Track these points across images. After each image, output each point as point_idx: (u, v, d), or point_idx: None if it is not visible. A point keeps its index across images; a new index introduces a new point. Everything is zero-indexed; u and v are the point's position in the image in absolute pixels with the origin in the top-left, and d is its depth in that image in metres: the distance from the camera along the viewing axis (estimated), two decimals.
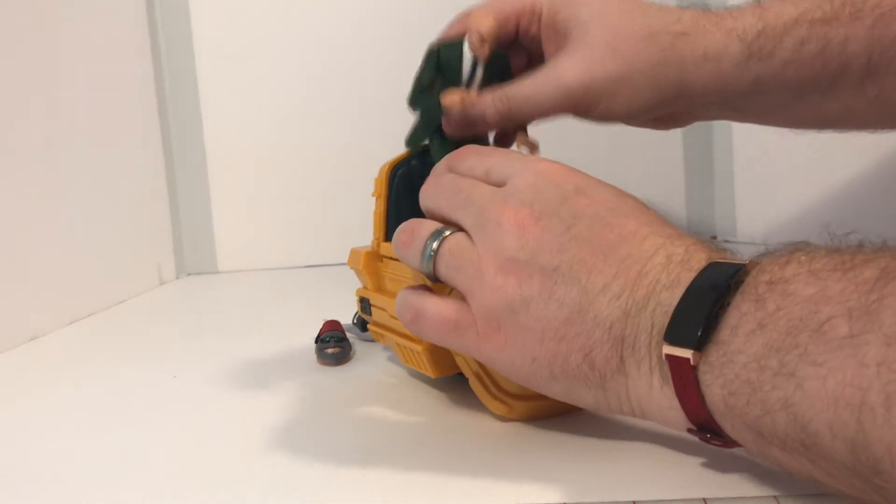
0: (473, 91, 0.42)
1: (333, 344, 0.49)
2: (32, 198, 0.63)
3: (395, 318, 0.39)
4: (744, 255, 0.30)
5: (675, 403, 0.28)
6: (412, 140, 0.44)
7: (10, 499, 0.32)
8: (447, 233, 0.34)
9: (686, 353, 0.27)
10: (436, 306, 0.34)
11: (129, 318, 0.69)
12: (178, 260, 0.89)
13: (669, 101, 0.44)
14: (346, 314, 0.55)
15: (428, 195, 0.37)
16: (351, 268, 0.46)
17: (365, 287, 0.46)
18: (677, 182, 0.92)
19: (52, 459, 0.36)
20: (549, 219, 0.32)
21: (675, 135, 0.90)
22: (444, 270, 0.34)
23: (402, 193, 0.44)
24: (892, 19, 0.42)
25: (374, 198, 0.45)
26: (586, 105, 0.43)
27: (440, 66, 0.42)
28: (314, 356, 0.49)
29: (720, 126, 0.89)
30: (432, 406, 0.40)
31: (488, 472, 0.32)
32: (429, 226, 0.35)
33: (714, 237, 0.92)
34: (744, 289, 0.26)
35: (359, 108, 0.90)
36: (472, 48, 0.43)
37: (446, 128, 0.42)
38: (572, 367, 0.31)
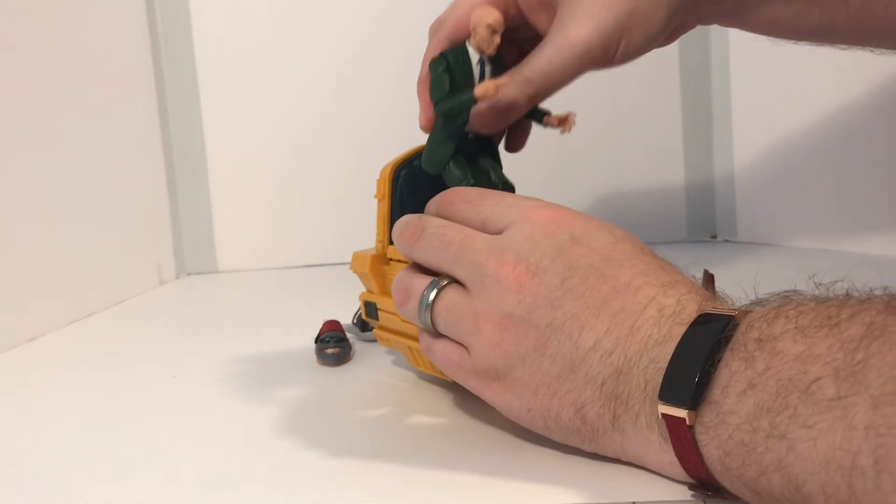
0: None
1: (333, 344, 0.49)
2: (32, 198, 0.63)
3: (406, 322, 0.40)
4: (735, 300, 0.30)
5: (675, 459, 0.28)
6: (435, 158, 0.43)
7: (10, 499, 0.32)
8: (443, 284, 0.35)
9: (682, 413, 0.26)
10: (441, 347, 0.35)
11: (129, 319, 0.69)
12: (178, 260, 0.89)
13: (676, 15, 0.44)
14: (346, 314, 0.55)
15: (419, 247, 0.36)
16: (355, 272, 0.46)
17: (370, 291, 0.45)
18: (677, 182, 0.92)
19: (52, 459, 0.36)
20: (544, 273, 0.32)
21: (675, 134, 0.90)
22: (442, 325, 0.35)
23: (405, 194, 0.44)
24: None
25: (377, 200, 0.44)
26: (606, 55, 0.43)
27: (451, 70, 0.41)
28: (314, 356, 0.49)
29: (720, 126, 0.89)
30: (433, 407, 0.40)
31: (488, 472, 0.32)
32: (420, 282, 0.36)
33: (714, 237, 0.92)
34: (733, 345, 0.26)
35: (359, 109, 0.90)
36: (480, 44, 0.42)
37: (477, 124, 0.41)
38: (565, 421, 0.31)
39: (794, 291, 0.28)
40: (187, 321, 0.70)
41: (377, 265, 0.44)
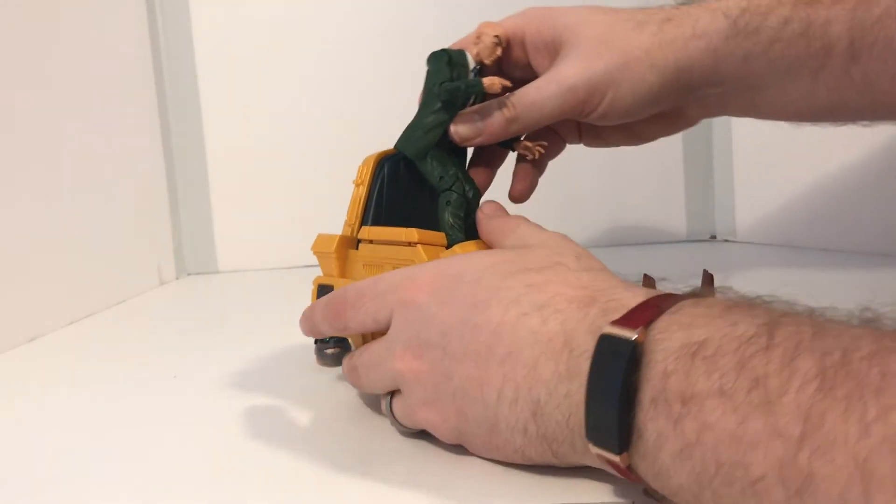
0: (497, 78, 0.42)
1: (333, 344, 0.48)
2: (32, 198, 0.63)
3: None
4: (623, 299, 0.28)
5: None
6: (419, 144, 0.44)
7: (10, 499, 0.32)
8: (389, 401, 0.36)
9: (614, 458, 0.26)
10: (426, 418, 0.35)
11: (129, 318, 0.69)
12: (178, 260, 0.89)
13: (670, 87, 0.45)
14: None
15: (357, 383, 0.39)
16: (316, 253, 0.45)
17: (329, 274, 0.45)
18: (677, 182, 0.92)
19: (52, 459, 0.36)
20: (426, 350, 0.33)
21: (675, 135, 0.90)
22: (410, 427, 0.36)
23: (387, 183, 0.44)
24: (873, 3, 0.42)
25: (354, 185, 0.44)
26: (591, 101, 0.44)
27: (451, 65, 0.43)
28: (314, 356, 0.49)
29: (720, 126, 0.89)
30: None
31: (488, 473, 0.32)
32: (381, 393, 0.37)
33: (714, 237, 0.92)
34: (655, 397, 0.25)
35: (359, 109, 0.90)
36: (482, 52, 0.44)
37: (455, 135, 0.44)
38: (524, 461, 0.31)
39: (700, 297, 0.27)
40: (187, 321, 0.70)
41: (344, 247, 0.44)
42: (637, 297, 0.28)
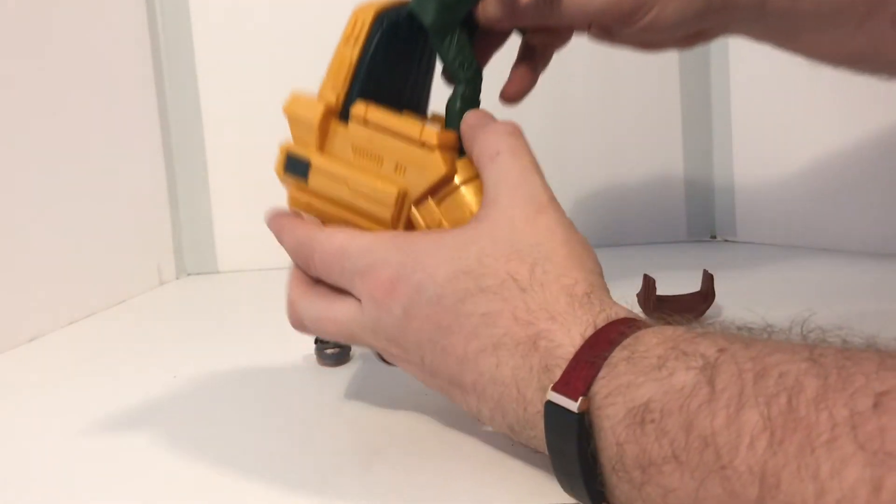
0: None
1: (333, 344, 0.49)
2: (32, 198, 0.63)
3: (360, 196, 0.37)
4: (561, 345, 0.28)
5: None
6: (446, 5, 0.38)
7: (10, 499, 0.32)
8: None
9: None
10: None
11: (129, 318, 0.69)
12: (178, 260, 0.89)
13: (715, 11, 0.43)
14: None
15: (294, 321, 0.38)
16: (291, 116, 0.39)
17: (304, 143, 0.39)
18: (677, 182, 0.92)
19: (52, 459, 0.36)
20: (408, 352, 0.33)
21: (675, 134, 0.90)
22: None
23: (382, 48, 0.38)
24: None
25: (342, 41, 0.39)
26: (636, 14, 0.42)
27: None
28: (314, 356, 0.49)
29: (720, 126, 0.89)
30: (432, 407, 0.40)
31: (487, 472, 0.32)
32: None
33: (714, 237, 0.92)
34: (612, 464, 0.25)
35: None
36: None
37: (482, 13, 0.40)
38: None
39: (635, 327, 0.27)
40: (187, 321, 0.70)
41: (328, 119, 0.38)
42: (574, 338, 0.28)
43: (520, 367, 0.29)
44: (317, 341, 0.50)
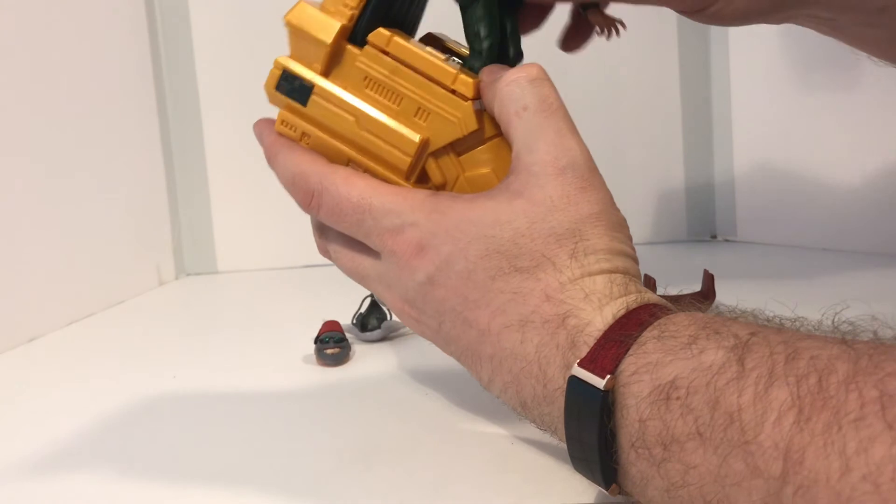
0: None
1: (333, 344, 0.49)
2: (31, 198, 0.63)
3: (373, 136, 0.33)
4: (592, 322, 0.28)
5: None
6: None
7: (10, 499, 0.32)
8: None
9: (602, 488, 0.26)
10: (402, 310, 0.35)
11: (129, 319, 0.69)
12: (177, 260, 0.89)
13: (790, 2, 0.42)
14: (345, 315, 0.55)
15: (325, 253, 0.38)
16: (294, 27, 0.34)
17: (306, 62, 0.34)
18: (677, 182, 0.92)
19: (51, 460, 0.36)
20: (424, 315, 0.33)
21: (675, 135, 0.90)
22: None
23: None
24: None
25: None
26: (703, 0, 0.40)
27: None
28: (314, 356, 0.49)
29: (720, 126, 0.89)
30: (432, 407, 0.40)
31: (487, 473, 0.32)
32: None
33: (714, 237, 0.92)
34: (632, 441, 0.25)
35: None
36: None
37: None
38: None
39: (667, 313, 0.27)
40: (187, 322, 0.70)
41: (341, 41, 0.34)
42: (605, 317, 0.28)
43: (545, 343, 0.29)
44: (316, 341, 0.50)
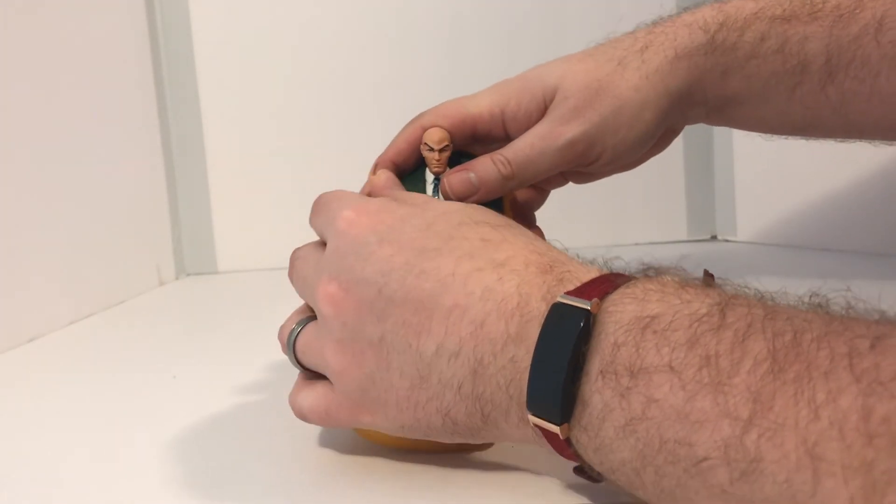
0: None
1: None
2: (31, 198, 0.63)
3: None
4: (578, 272, 0.28)
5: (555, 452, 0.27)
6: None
7: (10, 499, 0.32)
8: (297, 329, 0.34)
9: (554, 428, 0.25)
10: (307, 400, 0.33)
11: (129, 319, 0.69)
12: (177, 260, 0.89)
13: (664, 115, 0.45)
14: None
15: (292, 277, 0.36)
16: None
17: None
18: (677, 182, 0.92)
19: (52, 460, 0.36)
20: (357, 286, 0.30)
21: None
22: (306, 365, 0.34)
23: None
24: (851, 21, 0.42)
25: None
26: (590, 153, 0.43)
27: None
28: None
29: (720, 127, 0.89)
30: None
31: (487, 474, 0.32)
32: (289, 323, 0.35)
33: (714, 237, 0.92)
34: (603, 367, 0.24)
35: (359, 109, 0.90)
36: (428, 164, 0.41)
37: (450, 192, 0.40)
38: (438, 427, 0.30)
39: (651, 270, 0.28)
40: (187, 322, 0.70)
41: None
42: (591, 272, 0.29)
43: (527, 282, 0.28)
44: None
